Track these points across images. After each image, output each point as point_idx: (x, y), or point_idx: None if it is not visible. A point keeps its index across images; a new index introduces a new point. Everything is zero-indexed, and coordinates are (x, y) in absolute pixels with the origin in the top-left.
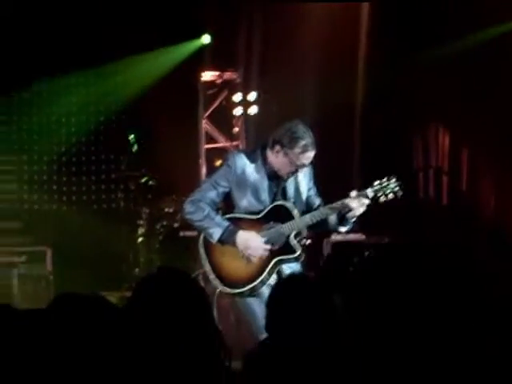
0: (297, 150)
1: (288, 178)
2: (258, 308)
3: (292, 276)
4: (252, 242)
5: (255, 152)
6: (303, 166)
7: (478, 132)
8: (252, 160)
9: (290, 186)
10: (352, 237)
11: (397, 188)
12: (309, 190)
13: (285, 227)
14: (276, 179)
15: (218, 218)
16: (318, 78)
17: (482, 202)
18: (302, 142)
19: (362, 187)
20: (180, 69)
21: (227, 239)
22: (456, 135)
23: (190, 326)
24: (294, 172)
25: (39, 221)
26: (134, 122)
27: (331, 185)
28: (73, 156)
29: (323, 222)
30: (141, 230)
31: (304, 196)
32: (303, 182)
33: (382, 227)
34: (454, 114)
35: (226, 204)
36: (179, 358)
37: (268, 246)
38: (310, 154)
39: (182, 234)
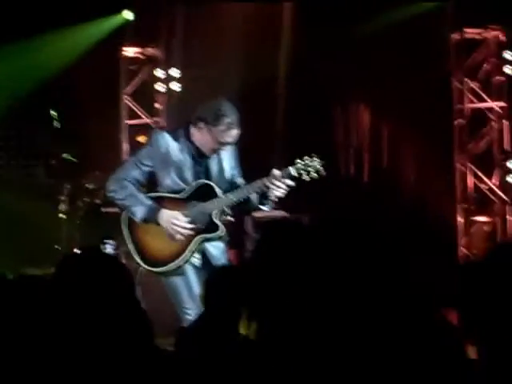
0: (221, 127)
1: (211, 155)
2: (181, 287)
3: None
4: (175, 220)
5: (178, 130)
6: (227, 143)
7: (398, 109)
8: (175, 138)
9: (213, 165)
10: (273, 214)
11: (320, 167)
12: (232, 168)
13: (208, 206)
14: (199, 158)
15: (142, 197)
16: (242, 53)
17: (402, 179)
18: (227, 120)
19: (283, 165)
20: (102, 44)
21: (150, 218)
22: (376, 112)
23: (113, 305)
24: (218, 149)
25: None
26: (56, 97)
27: (254, 162)
28: None
29: (246, 201)
30: (62, 207)
31: (227, 175)
32: (226, 161)
33: (302, 204)
34: (375, 91)
35: (150, 183)
36: (103, 337)
37: (191, 225)
38: (234, 132)
39: (104, 210)
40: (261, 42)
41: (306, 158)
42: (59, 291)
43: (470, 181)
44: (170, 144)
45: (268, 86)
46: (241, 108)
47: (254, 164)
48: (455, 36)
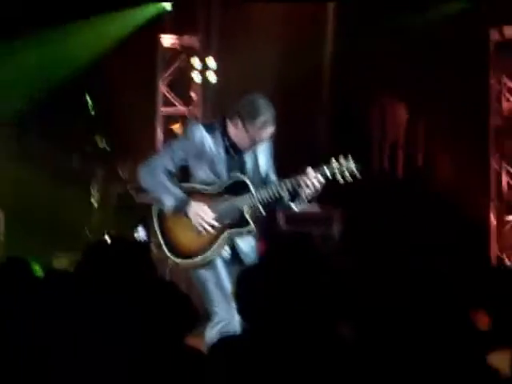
0: (256, 124)
1: (246, 150)
2: (210, 280)
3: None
4: (202, 213)
5: (215, 124)
6: (262, 141)
7: (435, 107)
8: (211, 132)
9: (248, 160)
10: (306, 207)
11: (355, 169)
12: (267, 165)
13: (239, 201)
14: (234, 152)
15: (172, 187)
16: (281, 45)
17: (436, 177)
18: (263, 117)
19: (319, 161)
20: (139, 32)
21: (179, 208)
22: (412, 109)
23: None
24: (252, 145)
25: None
26: (92, 85)
27: (289, 158)
28: (29, 116)
29: (277, 199)
30: (95, 193)
31: (262, 171)
32: (262, 157)
33: (334, 199)
34: (412, 88)
35: (183, 174)
36: (126, 321)
37: (216, 223)
38: (269, 130)
39: (137, 198)
40: (301, 34)
41: (341, 157)
42: (84, 278)
43: (505, 180)
44: (205, 137)
45: (306, 81)
46: (277, 102)
47: (290, 159)
48: (495, 35)
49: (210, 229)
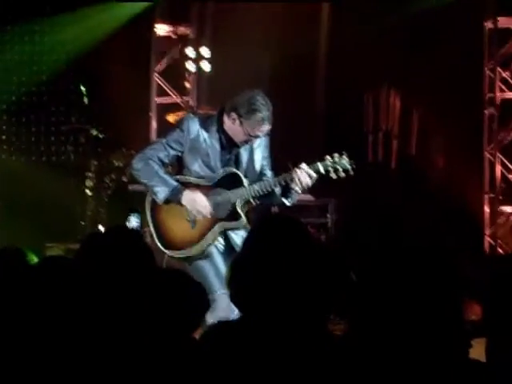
0: (253, 121)
1: (242, 145)
2: (207, 268)
3: None
4: (198, 201)
5: (211, 117)
6: (257, 137)
7: (428, 95)
8: (207, 125)
9: (243, 154)
10: (300, 197)
11: (348, 166)
12: (263, 159)
13: (232, 195)
14: (230, 146)
15: (167, 177)
16: (275, 34)
17: (430, 166)
18: (259, 115)
19: (313, 151)
20: (134, 21)
21: (173, 198)
22: (407, 98)
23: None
24: (248, 141)
25: None
26: (86, 74)
27: (283, 148)
28: (23, 106)
29: (270, 193)
30: (89, 183)
31: (257, 165)
32: (258, 151)
33: (329, 188)
34: (405, 77)
35: (178, 167)
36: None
37: (211, 208)
38: (265, 128)
39: (130, 188)
40: (295, 23)
41: (335, 154)
42: (82, 268)
43: (498, 170)
44: (201, 130)
45: (300, 69)
46: (271, 91)
47: (284, 153)
48: (489, 24)
49: (205, 211)
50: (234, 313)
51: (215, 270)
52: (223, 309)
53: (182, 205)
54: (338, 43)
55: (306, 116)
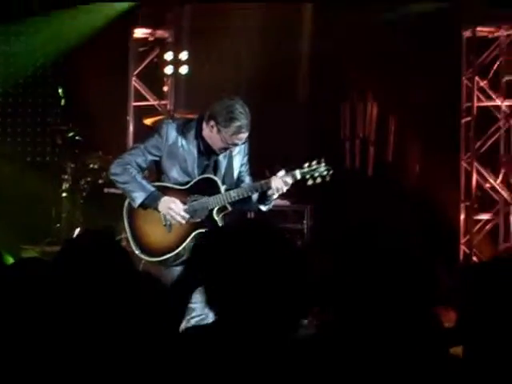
0: (231, 129)
1: (220, 153)
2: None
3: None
4: (172, 205)
5: (190, 123)
6: (235, 145)
7: (405, 103)
8: (185, 131)
9: (222, 161)
10: (275, 202)
11: (325, 172)
12: (241, 166)
13: (209, 201)
14: (208, 153)
15: (144, 183)
16: (255, 36)
17: (406, 174)
18: (237, 123)
19: (291, 156)
20: (112, 25)
21: (150, 203)
22: (383, 105)
23: (116, 288)
24: (226, 149)
25: None
26: (64, 76)
27: (259, 150)
28: None
29: (246, 200)
30: (65, 185)
31: (235, 172)
32: (237, 158)
33: (305, 194)
34: (382, 85)
35: (157, 172)
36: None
37: (186, 215)
38: (243, 136)
39: (106, 190)
40: (276, 28)
41: (313, 162)
42: (62, 274)
43: (474, 180)
44: (179, 136)
45: (279, 74)
46: (249, 95)
47: (262, 160)
48: (467, 33)
49: (179, 219)
50: (209, 316)
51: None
52: (200, 316)
53: (158, 211)
54: (319, 50)
55: (283, 122)
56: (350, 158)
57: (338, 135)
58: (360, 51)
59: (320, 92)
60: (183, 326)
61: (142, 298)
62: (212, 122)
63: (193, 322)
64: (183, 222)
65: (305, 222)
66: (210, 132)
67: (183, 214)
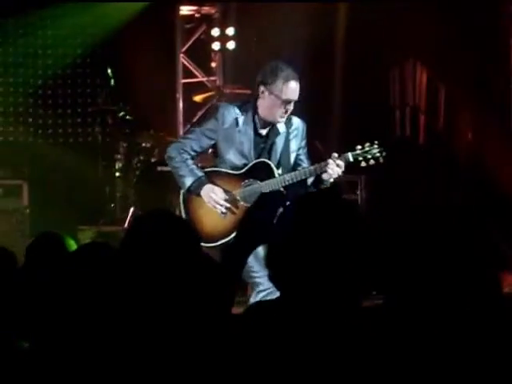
0: (279, 82)
1: (280, 120)
2: None
3: None
4: (213, 194)
5: (246, 105)
6: (290, 101)
7: (455, 69)
8: (242, 113)
9: (278, 144)
10: None
11: (378, 154)
12: (298, 149)
13: (262, 185)
14: (266, 135)
15: (194, 168)
16: (299, 13)
17: (458, 141)
18: (283, 73)
19: (341, 129)
20: (158, 2)
21: (195, 189)
22: (433, 72)
23: (188, 266)
24: (284, 113)
25: (15, 154)
26: (112, 56)
27: (311, 125)
28: (49, 89)
29: (301, 184)
30: (118, 165)
31: (292, 155)
32: (294, 141)
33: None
34: (432, 51)
35: (214, 154)
36: (177, 300)
37: (227, 203)
38: (293, 86)
39: (159, 168)
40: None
41: (366, 144)
42: (132, 252)
43: None
44: (236, 119)
45: (326, 48)
46: (297, 70)
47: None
48: None
49: (219, 208)
50: (276, 294)
51: (255, 253)
52: (267, 290)
53: (200, 196)
54: (361, 17)
55: (327, 92)
56: (401, 126)
57: (388, 104)
58: (407, 16)
59: (367, 60)
60: (251, 300)
61: (207, 280)
62: (262, 88)
63: (260, 296)
64: (222, 211)
65: (358, 192)
66: (263, 102)
67: (223, 202)
